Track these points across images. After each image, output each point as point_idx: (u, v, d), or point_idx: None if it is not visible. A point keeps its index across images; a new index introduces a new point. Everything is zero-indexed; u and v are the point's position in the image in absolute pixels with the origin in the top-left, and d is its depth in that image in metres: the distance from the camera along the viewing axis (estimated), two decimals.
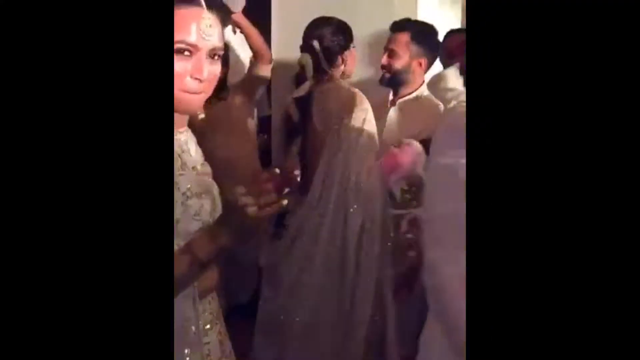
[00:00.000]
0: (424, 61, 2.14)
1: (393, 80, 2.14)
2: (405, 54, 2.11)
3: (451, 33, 2.37)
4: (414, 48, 2.11)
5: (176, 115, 1.02)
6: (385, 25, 2.26)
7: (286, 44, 2.61)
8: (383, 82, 2.17)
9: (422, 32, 2.13)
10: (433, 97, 2.05)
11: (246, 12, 2.68)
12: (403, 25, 2.13)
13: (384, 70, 2.14)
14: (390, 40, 2.14)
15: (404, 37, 2.10)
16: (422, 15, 2.62)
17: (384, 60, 2.12)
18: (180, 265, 0.93)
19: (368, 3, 2.58)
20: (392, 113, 2.17)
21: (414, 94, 2.15)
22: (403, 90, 2.17)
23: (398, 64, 2.11)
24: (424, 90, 2.13)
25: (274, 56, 2.44)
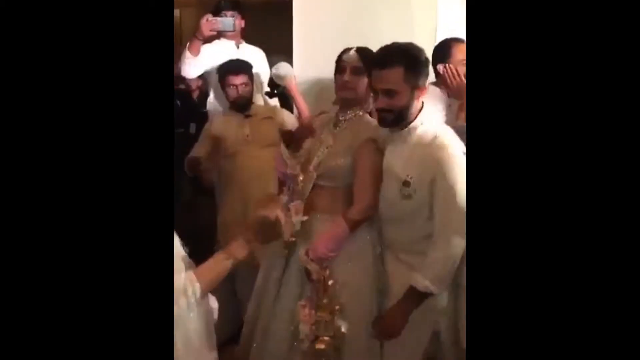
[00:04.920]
0: (423, 87, 1.84)
1: (396, 120, 1.83)
2: (406, 90, 1.79)
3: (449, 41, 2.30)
4: (412, 79, 1.78)
5: None
6: (405, 38, 2.26)
7: (307, 64, 2.68)
8: (385, 124, 1.85)
9: (413, 59, 1.79)
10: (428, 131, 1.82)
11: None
12: (390, 60, 1.77)
13: (383, 113, 1.82)
14: (380, 80, 1.80)
15: (398, 72, 1.77)
16: (442, 27, 2.62)
17: (382, 102, 1.80)
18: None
19: (388, 16, 2.60)
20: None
21: (412, 125, 1.85)
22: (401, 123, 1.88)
23: (400, 102, 1.79)
24: (420, 121, 1.85)
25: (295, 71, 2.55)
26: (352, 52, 1.98)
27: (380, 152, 1.93)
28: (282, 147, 2.08)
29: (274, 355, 1.99)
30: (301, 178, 1.97)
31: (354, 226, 1.90)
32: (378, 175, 1.92)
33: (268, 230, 1.44)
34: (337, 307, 1.81)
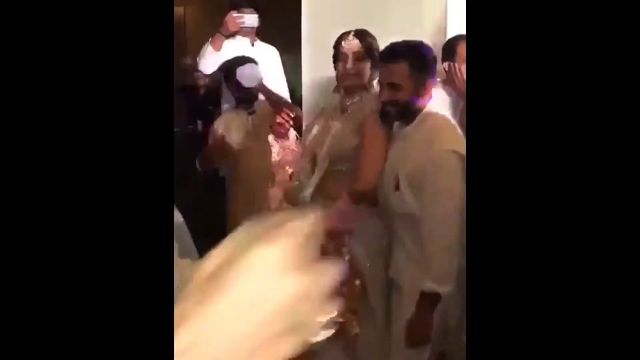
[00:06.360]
0: (430, 84, 1.86)
1: (399, 114, 1.87)
2: (410, 86, 1.81)
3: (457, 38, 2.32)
4: (416, 76, 1.82)
5: None
6: (415, 35, 2.26)
7: (316, 62, 2.67)
8: (388, 118, 1.89)
9: (419, 57, 1.84)
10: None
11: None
12: (396, 54, 1.82)
13: (387, 106, 1.86)
14: (385, 73, 1.85)
15: (403, 67, 1.80)
16: (451, 24, 2.61)
17: (386, 95, 1.83)
18: None
19: (397, 14, 2.60)
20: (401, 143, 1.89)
21: (415, 122, 1.86)
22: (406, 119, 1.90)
23: (404, 97, 1.81)
24: (422, 119, 1.85)
25: (304, 69, 2.54)
26: (351, 37, 1.94)
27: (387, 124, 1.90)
28: (271, 138, 2.15)
29: None
30: (287, 167, 1.98)
31: (356, 198, 1.86)
32: (382, 144, 1.88)
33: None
34: (357, 282, 1.81)
